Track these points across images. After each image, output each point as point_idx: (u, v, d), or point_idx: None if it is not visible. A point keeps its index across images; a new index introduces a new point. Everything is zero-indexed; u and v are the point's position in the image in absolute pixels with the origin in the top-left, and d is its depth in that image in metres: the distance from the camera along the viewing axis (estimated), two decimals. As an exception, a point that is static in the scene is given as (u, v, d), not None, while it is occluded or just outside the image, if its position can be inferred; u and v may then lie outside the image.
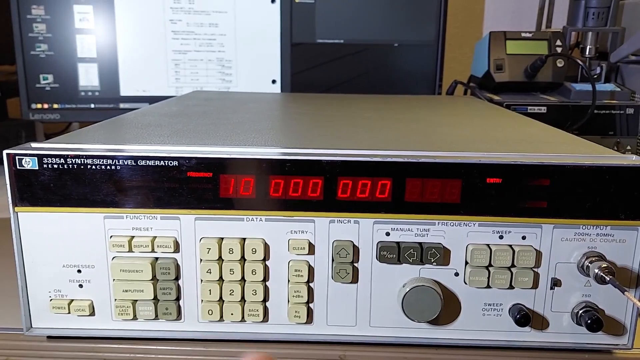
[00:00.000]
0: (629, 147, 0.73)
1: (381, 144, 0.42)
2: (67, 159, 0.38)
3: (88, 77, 0.84)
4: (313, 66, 0.84)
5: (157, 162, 0.38)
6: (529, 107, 0.72)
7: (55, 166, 0.38)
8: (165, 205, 0.39)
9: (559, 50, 0.75)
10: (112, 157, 0.38)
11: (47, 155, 0.38)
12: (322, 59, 0.84)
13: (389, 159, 0.37)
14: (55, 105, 0.85)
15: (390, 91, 0.85)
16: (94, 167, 0.38)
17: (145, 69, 0.84)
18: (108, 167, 0.38)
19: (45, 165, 0.38)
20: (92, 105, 0.85)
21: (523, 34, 0.77)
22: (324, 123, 0.52)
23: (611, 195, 0.37)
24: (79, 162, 0.38)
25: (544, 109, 0.72)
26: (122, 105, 0.86)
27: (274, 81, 0.85)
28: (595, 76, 0.77)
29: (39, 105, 0.84)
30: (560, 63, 0.75)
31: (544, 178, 0.37)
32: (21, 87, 0.84)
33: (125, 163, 0.38)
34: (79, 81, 0.84)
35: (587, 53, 0.77)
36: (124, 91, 0.85)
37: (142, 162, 0.38)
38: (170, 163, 0.38)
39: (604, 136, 0.74)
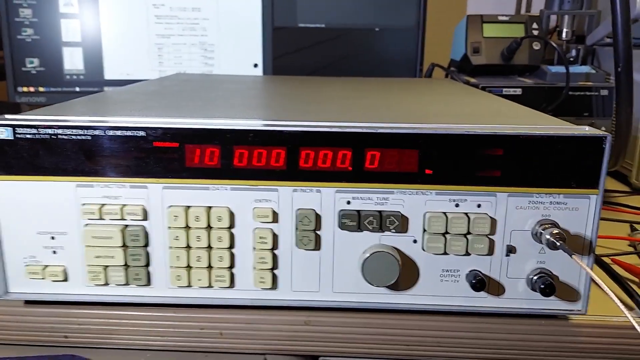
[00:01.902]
0: (603, 128, 0.73)
1: (344, 116, 0.43)
2: (40, 129, 0.39)
3: (73, 61, 0.84)
4: (295, 50, 0.84)
5: (125, 133, 0.38)
6: (504, 89, 0.72)
7: (29, 136, 0.39)
8: (134, 174, 0.39)
9: (535, 33, 0.75)
10: (83, 128, 0.38)
11: (21, 126, 0.39)
12: (303, 43, 0.84)
13: (348, 130, 0.38)
14: (41, 89, 0.85)
15: (371, 75, 0.85)
16: (65, 137, 0.39)
17: (129, 52, 0.85)
18: (79, 137, 0.39)
19: (19, 135, 0.39)
20: (77, 89, 0.85)
21: (500, 17, 0.77)
22: (294, 100, 0.52)
23: (563, 164, 0.37)
24: (51, 132, 0.39)
25: (519, 91, 0.72)
26: (106, 89, 0.86)
27: (255, 65, 0.85)
28: (572, 59, 0.77)
29: (25, 89, 0.85)
30: (536, 46, 0.75)
31: (497, 148, 0.37)
32: (8, 70, 0.84)
33: (95, 133, 0.39)
34: (64, 65, 0.85)
35: (563, 36, 0.77)
36: (108, 75, 0.85)
37: (111, 132, 0.39)
38: (138, 133, 0.38)
39: (579, 117, 0.74)
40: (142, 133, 0.38)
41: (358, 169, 0.38)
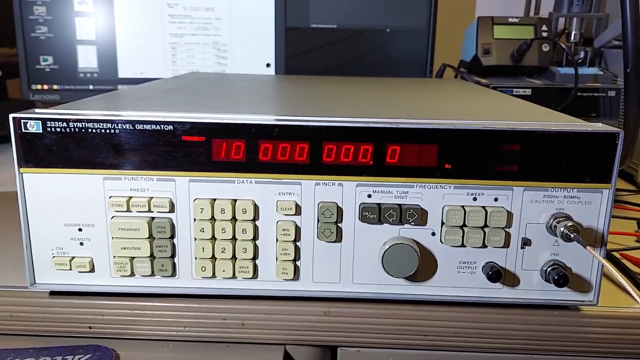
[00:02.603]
0: (610, 129, 0.76)
1: (365, 113, 0.45)
2: (70, 123, 0.41)
3: (87, 59, 0.87)
4: (307, 50, 0.86)
5: (153, 127, 0.40)
6: (514, 90, 0.74)
7: (58, 130, 0.41)
8: (161, 168, 0.41)
9: (544, 35, 0.78)
10: (112, 122, 0.40)
11: (51, 119, 0.41)
12: (315, 44, 0.86)
13: (370, 125, 0.40)
14: (55, 86, 0.87)
15: (382, 75, 0.88)
16: (94, 130, 0.41)
17: (143, 51, 0.87)
18: (107, 131, 0.41)
19: (48, 129, 0.41)
20: (91, 87, 0.88)
21: (510, 19, 0.79)
22: (313, 98, 0.54)
23: (577, 160, 0.39)
24: (81, 126, 0.41)
25: (529, 91, 0.75)
26: (120, 87, 0.88)
27: (268, 65, 0.87)
28: (580, 60, 0.80)
29: (39, 86, 0.87)
30: (545, 47, 0.78)
31: (514, 143, 0.39)
32: (22, 68, 0.87)
33: (124, 127, 0.41)
34: (78, 63, 0.87)
35: (572, 38, 0.80)
36: (122, 73, 0.88)
37: (140, 127, 0.40)
38: (166, 127, 0.40)
39: (587, 118, 0.76)
40: (170, 127, 0.40)
41: (379, 163, 0.40)
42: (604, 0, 0.83)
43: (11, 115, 0.41)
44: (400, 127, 0.40)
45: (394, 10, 0.85)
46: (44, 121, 0.41)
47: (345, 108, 0.47)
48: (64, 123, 0.41)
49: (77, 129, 0.41)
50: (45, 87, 0.87)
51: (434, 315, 0.43)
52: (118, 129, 0.41)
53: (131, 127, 0.41)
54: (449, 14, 0.97)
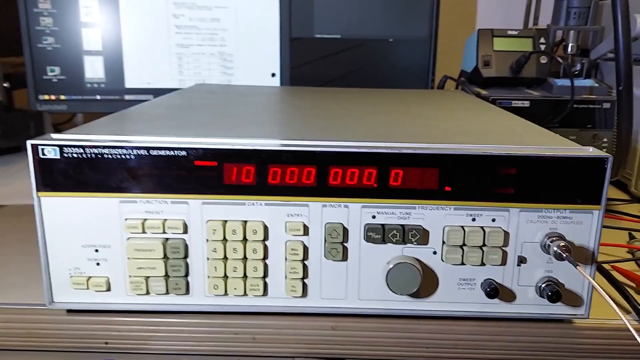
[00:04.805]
0: (605, 139, 0.81)
1: (369, 135, 0.49)
2: (86, 149, 0.45)
3: (94, 70, 0.91)
4: (311, 60, 0.91)
5: (167, 152, 0.45)
6: (513, 102, 0.79)
7: (75, 155, 0.45)
8: (175, 191, 0.45)
9: (542, 47, 0.83)
10: (127, 147, 0.45)
11: (68, 145, 0.45)
12: (320, 54, 0.91)
13: (374, 150, 0.44)
14: (62, 97, 0.92)
15: (385, 85, 0.93)
16: (110, 156, 0.45)
17: (150, 62, 0.91)
18: (123, 156, 0.45)
19: (65, 155, 0.45)
20: (98, 97, 0.92)
21: (509, 32, 0.84)
22: (318, 116, 0.59)
23: (569, 183, 0.44)
24: (97, 151, 0.45)
25: (527, 103, 0.80)
26: (127, 97, 0.92)
27: (273, 74, 0.92)
28: (577, 72, 0.85)
29: (46, 97, 0.91)
30: (543, 60, 0.83)
31: (511, 167, 0.44)
32: (29, 79, 0.91)
33: (139, 153, 0.45)
34: (85, 73, 0.91)
35: (569, 50, 0.85)
36: (129, 83, 0.92)
37: (154, 152, 0.45)
38: (180, 153, 0.45)
39: (582, 129, 0.81)
40: (183, 153, 0.45)
41: (383, 186, 0.45)
42: (600, 14, 0.88)
43: (29, 142, 0.45)
44: (403, 153, 0.44)
45: (397, 20, 0.90)
46: (61, 147, 0.45)
47: (349, 130, 0.52)
48: (81, 149, 0.45)
49: (93, 155, 0.45)
50: (53, 97, 0.91)
51: (436, 328, 0.47)
52: (133, 154, 0.45)
53: (146, 153, 0.45)
54: (450, 23, 1.02)
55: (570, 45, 0.84)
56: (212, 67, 0.91)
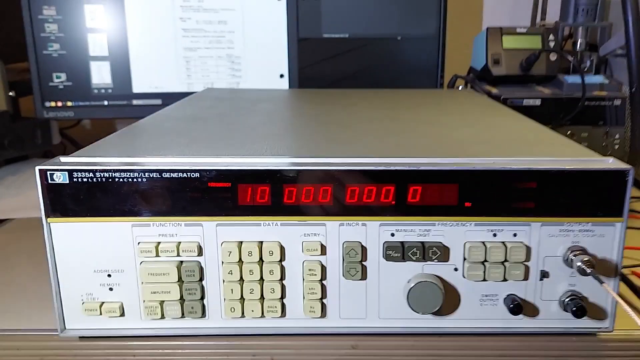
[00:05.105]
0: (617, 136, 0.80)
1: (384, 148, 0.48)
2: (96, 173, 0.44)
3: (100, 75, 0.90)
4: (319, 60, 0.90)
5: (180, 175, 0.44)
6: (525, 100, 0.79)
7: (85, 180, 0.44)
8: (189, 213, 0.45)
9: (552, 44, 0.82)
10: (138, 171, 0.44)
11: (77, 170, 0.44)
12: (328, 53, 0.91)
13: (392, 167, 0.43)
14: (69, 103, 0.91)
15: (394, 83, 0.92)
16: (121, 179, 0.44)
17: (157, 66, 0.90)
18: (134, 179, 0.44)
19: (75, 179, 0.44)
20: (106, 102, 0.91)
21: (518, 30, 0.83)
22: (330, 126, 0.58)
23: (591, 195, 0.43)
24: (107, 175, 0.44)
25: (538, 102, 0.79)
26: (134, 102, 0.91)
27: (282, 75, 0.91)
28: (586, 69, 0.84)
29: (53, 104, 0.90)
30: (553, 57, 0.82)
31: (531, 181, 0.43)
32: (35, 86, 0.90)
33: (151, 175, 0.44)
34: (91, 79, 0.90)
35: (578, 47, 0.84)
36: (137, 88, 0.91)
37: (166, 175, 0.44)
38: (193, 175, 0.44)
39: (594, 126, 0.81)
40: (196, 175, 0.44)
41: (401, 203, 0.44)
42: (607, 10, 0.87)
43: (37, 167, 0.44)
44: (422, 170, 0.43)
45: (405, 18, 0.89)
46: (70, 172, 0.44)
47: (363, 143, 0.51)
48: (90, 173, 0.44)
49: (103, 179, 0.44)
50: (60, 104, 0.90)
51: (459, 345, 0.47)
52: (145, 177, 0.44)
53: (158, 176, 0.44)
54: (457, 19, 1.00)
55: (579, 41, 0.84)
56: (220, 69, 0.90)
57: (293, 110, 0.69)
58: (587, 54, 0.86)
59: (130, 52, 0.90)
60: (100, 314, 0.47)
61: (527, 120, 0.62)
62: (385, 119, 0.62)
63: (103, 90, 0.90)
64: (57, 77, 0.89)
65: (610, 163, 0.44)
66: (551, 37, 0.82)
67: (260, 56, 0.90)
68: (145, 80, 0.91)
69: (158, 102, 0.92)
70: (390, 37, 0.90)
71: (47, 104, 0.90)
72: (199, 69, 0.90)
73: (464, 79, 0.91)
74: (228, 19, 0.89)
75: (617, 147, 0.80)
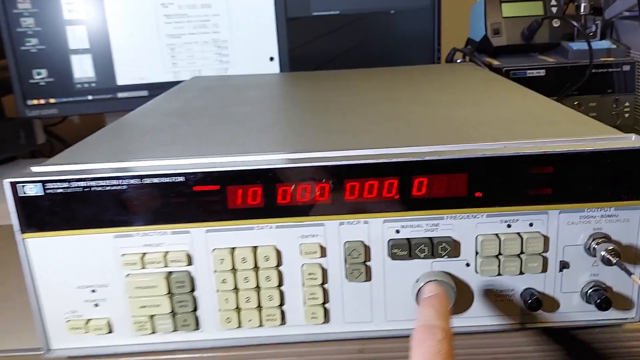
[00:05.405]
0: (627, 104, 0.76)
1: (384, 137, 0.45)
2: (71, 183, 0.40)
3: (82, 69, 0.85)
4: (310, 40, 0.86)
5: (163, 179, 0.40)
6: (528, 71, 0.75)
7: (60, 190, 0.40)
8: (175, 220, 0.41)
9: (554, 10, 0.78)
10: (117, 178, 0.40)
11: (51, 181, 0.40)
12: (319, 32, 0.86)
13: (394, 160, 0.40)
14: (52, 100, 0.87)
15: (389, 59, 0.87)
16: (99, 188, 0.40)
17: (141, 56, 0.86)
18: (114, 187, 0.40)
19: (49, 191, 0.40)
20: (90, 97, 0.87)
21: (518, -4, 0.79)
22: (324, 114, 0.54)
23: (613, 178, 0.40)
24: (84, 184, 0.40)
25: (542, 72, 0.75)
26: (120, 95, 0.88)
27: (271, 58, 0.87)
28: (591, 33, 0.80)
29: (35, 101, 0.86)
30: (556, 23, 0.78)
31: (547, 166, 0.40)
32: (15, 84, 0.85)
33: (131, 182, 0.40)
34: (73, 73, 0.86)
35: (581, 10, 0.80)
36: (121, 80, 0.87)
37: (148, 180, 0.40)
38: (177, 179, 0.40)
39: (602, 94, 0.77)
40: (181, 178, 0.40)
41: (405, 196, 0.41)
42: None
43: (5, 180, 0.40)
44: (426, 160, 0.40)
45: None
46: (43, 183, 0.40)
47: (361, 131, 0.47)
48: (66, 183, 0.40)
49: (80, 188, 0.40)
50: (42, 101, 0.86)
51: (474, 343, 0.44)
52: (125, 184, 0.40)
53: (139, 182, 0.40)
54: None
55: (582, 4, 0.79)
56: (207, 55, 0.86)
57: (284, 98, 0.65)
58: (592, 18, 0.81)
59: (111, 42, 0.86)
60: (87, 331, 0.43)
61: (535, 94, 0.58)
62: (384, 102, 0.58)
63: (86, 85, 0.86)
64: (38, 74, 0.85)
65: (634, 140, 0.40)
66: (553, 2, 0.78)
67: (248, 39, 0.86)
68: (129, 71, 0.86)
69: (144, 93, 0.88)
70: (383, 11, 0.85)
71: (29, 102, 0.86)
72: (185, 56, 0.86)
73: (463, 52, 0.86)
74: (212, 1, 0.84)
75: (627, 115, 0.77)
